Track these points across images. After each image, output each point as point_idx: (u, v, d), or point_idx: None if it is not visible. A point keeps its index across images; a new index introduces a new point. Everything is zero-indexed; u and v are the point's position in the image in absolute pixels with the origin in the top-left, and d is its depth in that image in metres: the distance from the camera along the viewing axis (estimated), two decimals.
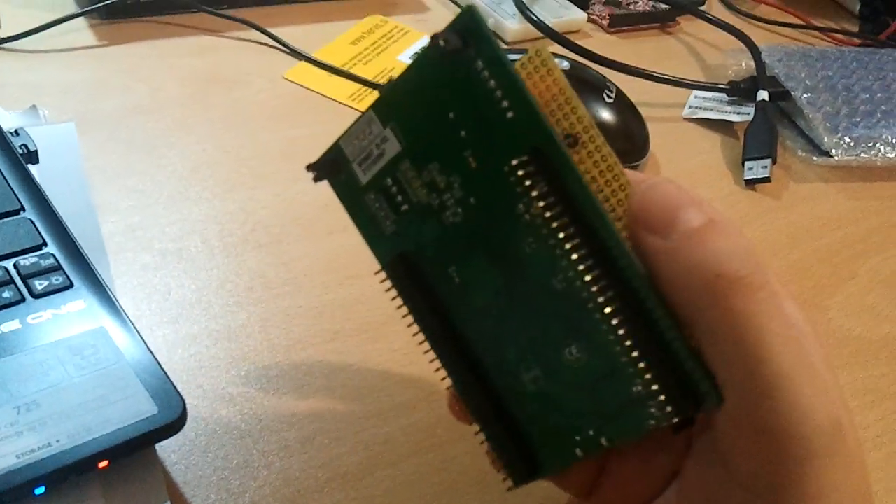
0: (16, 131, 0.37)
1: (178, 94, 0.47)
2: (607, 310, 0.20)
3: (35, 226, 0.32)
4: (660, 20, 0.66)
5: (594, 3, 0.65)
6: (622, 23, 0.64)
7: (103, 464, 0.26)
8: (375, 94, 0.23)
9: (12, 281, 0.30)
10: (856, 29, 0.72)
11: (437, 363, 0.24)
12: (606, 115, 0.47)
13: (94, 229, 0.36)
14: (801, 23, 0.70)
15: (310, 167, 0.25)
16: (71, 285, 0.31)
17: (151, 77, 0.48)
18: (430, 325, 0.23)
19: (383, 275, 0.24)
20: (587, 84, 0.48)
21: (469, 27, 0.21)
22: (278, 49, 0.53)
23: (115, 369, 0.28)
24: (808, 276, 0.44)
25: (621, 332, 0.20)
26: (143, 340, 0.29)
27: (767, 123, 0.52)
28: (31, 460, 0.25)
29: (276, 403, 0.32)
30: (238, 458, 0.29)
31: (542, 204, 0.21)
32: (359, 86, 0.51)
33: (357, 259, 0.37)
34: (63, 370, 0.27)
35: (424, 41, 0.56)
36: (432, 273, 0.23)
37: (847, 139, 0.52)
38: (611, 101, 0.47)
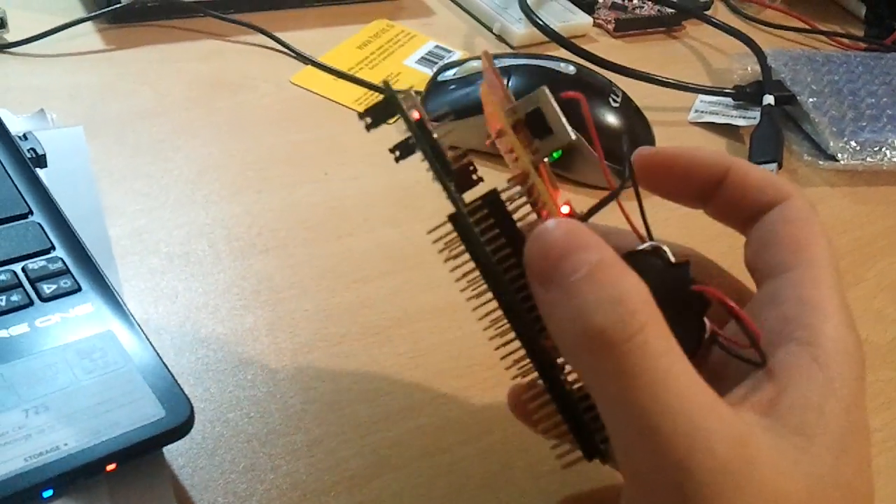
0: (24, 135, 0.37)
1: (185, 98, 0.47)
2: (525, 361, 0.22)
3: (43, 230, 0.33)
4: (665, 24, 0.66)
5: (600, 8, 0.65)
6: (628, 27, 0.64)
7: (111, 467, 0.26)
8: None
9: (21, 285, 0.30)
10: (861, 33, 0.72)
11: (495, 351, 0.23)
12: (612, 119, 0.47)
13: (101, 233, 0.37)
14: (807, 27, 0.70)
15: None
16: (79, 289, 0.31)
17: (158, 81, 0.48)
18: (513, 288, 0.22)
19: (440, 245, 0.23)
20: (593, 88, 0.48)
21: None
22: (284, 53, 0.53)
23: (123, 372, 0.28)
24: None
25: (541, 382, 0.22)
26: (151, 344, 0.29)
27: (773, 128, 0.52)
28: (39, 463, 0.25)
29: (283, 407, 0.32)
30: (245, 461, 0.30)
31: (458, 263, 0.22)
32: (365, 90, 0.51)
33: (363, 263, 0.37)
34: (71, 373, 0.28)
35: (430, 45, 0.56)
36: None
37: (853, 143, 0.52)
38: (616, 105, 0.47)
